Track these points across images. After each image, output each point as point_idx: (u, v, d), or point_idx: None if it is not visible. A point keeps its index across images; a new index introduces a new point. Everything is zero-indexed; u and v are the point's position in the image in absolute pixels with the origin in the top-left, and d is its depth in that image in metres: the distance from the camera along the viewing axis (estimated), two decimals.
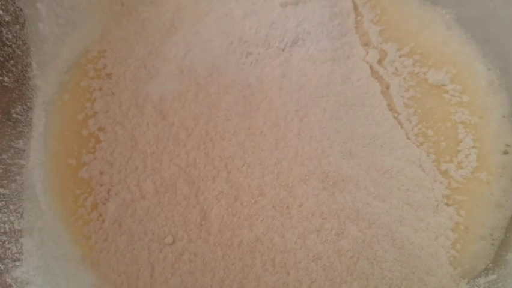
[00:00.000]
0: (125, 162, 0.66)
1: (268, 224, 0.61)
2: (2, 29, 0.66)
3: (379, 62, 0.75)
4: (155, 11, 0.77)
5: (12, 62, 0.67)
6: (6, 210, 0.60)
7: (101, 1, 0.75)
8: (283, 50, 0.73)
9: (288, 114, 0.68)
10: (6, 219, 0.59)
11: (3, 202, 0.60)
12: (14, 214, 0.61)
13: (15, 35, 0.68)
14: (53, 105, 0.70)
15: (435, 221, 0.61)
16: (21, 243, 0.59)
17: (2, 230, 0.59)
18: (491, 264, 0.60)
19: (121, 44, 0.75)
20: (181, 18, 0.76)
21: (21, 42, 0.69)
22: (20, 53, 0.68)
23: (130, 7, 0.77)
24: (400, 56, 0.76)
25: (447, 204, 0.63)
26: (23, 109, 0.67)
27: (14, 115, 0.66)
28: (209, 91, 0.70)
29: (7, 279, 0.55)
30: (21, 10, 0.69)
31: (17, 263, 0.57)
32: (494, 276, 0.58)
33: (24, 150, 0.65)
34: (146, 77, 0.72)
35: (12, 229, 0.60)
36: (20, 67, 0.68)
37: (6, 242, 0.58)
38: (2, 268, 0.56)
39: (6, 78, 0.66)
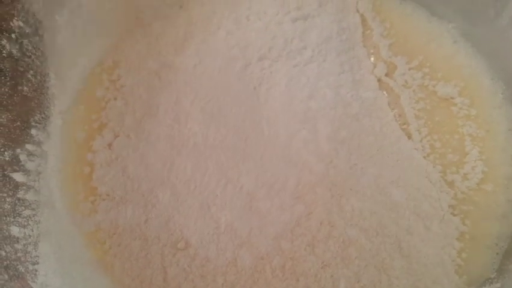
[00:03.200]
0: (139, 170, 0.73)
1: (278, 231, 0.67)
2: (23, 40, 0.74)
3: (389, 74, 0.82)
4: (168, 25, 0.85)
5: (31, 72, 0.75)
6: (25, 216, 0.67)
7: (117, 14, 0.83)
8: (291, 63, 0.80)
9: (295, 125, 0.74)
10: (25, 223, 0.66)
11: (23, 207, 0.67)
12: (32, 219, 0.67)
13: (35, 46, 0.75)
14: (69, 114, 0.77)
15: (442, 231, 0.68)
16: (40, 247, 0.66)
17: (22, 235, 0.65)
18: (495, 273, 0.66)
19: (135, 56, 0.82)
20: (193, 32, 0.84)
21: (40, 53, 0.76)
22: (38, 63, 0.76)
23: (144, 21, 0.85)
24: (409, 69, 0.83)
25: (453, 214, 0.69)
26: (41, 117, 0.74)
27: (33, 123, 0.73)
28: (218, 102, 0.77)
29: (28, 281, 0.61)
30: (40, 22, 0.77)
31: (36, 266, 0.64)
32: (498, 285, 0.64)
33: (42, 157, 0.72)
34: (159, 88, 0.79)
35: (31, 233, 0.66)
36: (38, 77, 0.75)
37: (26, 246, 0.65)
38: (23, 270, 0.62)
39: (25, 88, 0.73)
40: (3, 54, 0.70)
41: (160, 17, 0.85)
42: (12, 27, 0.72)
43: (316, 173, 0.70)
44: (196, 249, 0.67)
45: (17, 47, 0.73)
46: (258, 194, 0.70)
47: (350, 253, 0.66)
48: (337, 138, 0.73)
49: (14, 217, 0.65)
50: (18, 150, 0.69)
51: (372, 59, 0.84)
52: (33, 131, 0.72)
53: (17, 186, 0.68)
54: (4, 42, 0.70)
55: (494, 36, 0.79)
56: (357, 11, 0.88)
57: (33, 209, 0.68)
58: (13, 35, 0.72)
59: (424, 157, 0.74)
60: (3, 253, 0.62)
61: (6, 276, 0.61)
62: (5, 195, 0.66)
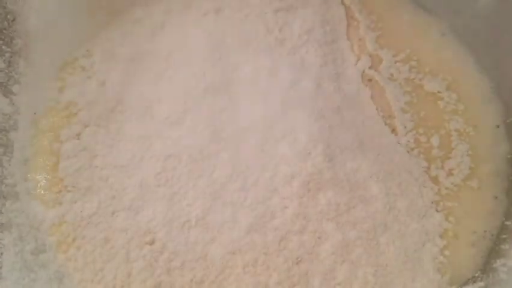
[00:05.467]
0: (107, 162, 0.73)
1: (251, 224, 0.67)
2: None
3: (374, 67, 0.83)
4: (146, 11, 0.85)
5: None
6: None
7: (92, 0, 0.84)
8: (271, 54, 0.81)
9: (274, 116, 0.74)
10: None
11: None
12: None
13: (3, 31, 0.76)
14: (38, 103, 0.77)
15: (423, 227, 0.67)
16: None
17: None
18: (479, 272, 0.66)
19: (110, 44, 0.83)
20: (171, 19, 0.85)
21: (9, 39, 0.77)
22: (8, 49, 0.76)
23: (120, 8, 0.86)
24: (396, 62, 0.83)
25: (436, 210, 0.69)
26: (8, 105, 0.75)
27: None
28: (193, 92, 0.77)
29: None
30: (10, 7, 0.77)
31: None
32: (482, 284, 0.63)
33: (7, 146, 0.72)
34: (133, 77, 0.79)
35: None
36: (6, 63, 0.76)
37: None
38: None
39: None
40: None
41: (137, 3, 0.86)
42: None
43: (293, 165, 0.70)
44: (164, 243, 0.66)
45: None
46: (231, 187, 0.70)
47: (325, 249, 0.65)
48: (316, 131, 0.73)
49: None
50: None
51: (357, 51, 0.85)
52: None
53: None
54: None
55: (481, 29, 0.80)
56: (342, 3, 0.89)
57: None
58: None
59: (408, 151, 0.74)
60: None
61: None
62: None
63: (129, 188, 0.71)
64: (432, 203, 0.70)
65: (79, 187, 0.71)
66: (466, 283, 0.65)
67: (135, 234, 0.67)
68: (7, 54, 0.76)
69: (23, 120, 0.76)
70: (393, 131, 0.76)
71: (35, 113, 0.76)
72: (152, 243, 0.67)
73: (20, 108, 0.76)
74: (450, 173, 0.72)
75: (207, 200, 0.69)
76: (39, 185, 0.71)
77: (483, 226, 0.69)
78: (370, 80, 0.81)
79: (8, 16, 0.76)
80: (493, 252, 0.67)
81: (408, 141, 0.75)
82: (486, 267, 0.66)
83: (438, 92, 0.80)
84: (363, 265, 0.65)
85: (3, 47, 0.76)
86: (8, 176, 0.71)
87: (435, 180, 0.72)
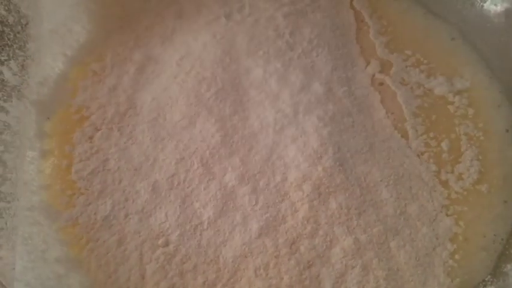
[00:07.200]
0: (120, 164, 0.75)
1: (262, 227, 0.68)
2: (5, 29, 0.76)
3: (385, 72, 0.84)
4: (158, 17, 0.88)
5: (12, 62, 0.77)
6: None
7: (105, 6, 0.86)
8: (282, 58, 0.83)
9: (284, 120, 0.76)
10: None
11: None
12: (7, 212, 0.69)
13: (17, 35, 0.78)
14: (50, 106, 0.79)
15: (433, 231, 0.69)
16: (13, 241, 0.67)
17: None
18: (489, 276, 0.67)
19: (121, 49, 0.85)
20: (182, 24, 0.87)
21: (22, 43, 0.79)
22: (21, 53, 0.78)
23: (132, 13, 0.88)
24: (406, 67, 0.85)
25: (446, 215, 0.70)
26: (20, 107, 0.76)
27: (12, 113, 0.75)
28: (205, 96, 0.79)
29: None
30: (23, 12, 0.79)
31: (5, 260, 0.65)
32: None
33: (20, 150, 0.74)
34: (145, 81, 0.82)
35: (5, 226, 0.68)
36: (20, 67, 0.78)
37: None
38: None
39: (5, 78, 0.76)
40: None
41: (149, 9, 0.88)
42: None
43: (304, 169, 0.72)
44: (177, 246, 0.68)
45: None
46: (243, 190, 0.71)
47: (336, 253, 0.67)
48: (326, 135, 0.75)
49: None
50: None
51: (367, 56, 0.86)
52: (12, 122, 0.74)
53: None
54: None
55: (493, 33, 0.82)
56: (352, 7, 0.91)
57: (8, 202, 0.69)
58: None
59: (418, 155, 0.75)
60: None
61: None
62: None
63: (142, 191, 0.72)
64: (442, 207, 0.71)
65: (92, 190, 0.73)
66: (477, 287, 0.66)
67: (148, 236, 0.69)
68: (20, 58, 0.78)
69: (35, 123, 0.77)
70: (403, 135, 0.78)
71: (48, 118, 0.78)
72: (165, 245, 0.68)
73: (32, 111, 0.78)
74: (460, 177, 0.74)
75: (218, 203, 0.71)
76: (52, 188, 0.73)
77: (493, 230, 0.70)
78: (381, 84, 0.83)
79: (22, 20, 0.78)
80: (503, 256, 0.68)
81: (419, 145, 0.77)
82: (496, 271, 0.67)
83: (449, 96, 0.81)
84: (374, 269, 0.66)
85: (17, 50, 0.78)
86: (21, 179, 0.73)
87: (445, 184, 0.73)
